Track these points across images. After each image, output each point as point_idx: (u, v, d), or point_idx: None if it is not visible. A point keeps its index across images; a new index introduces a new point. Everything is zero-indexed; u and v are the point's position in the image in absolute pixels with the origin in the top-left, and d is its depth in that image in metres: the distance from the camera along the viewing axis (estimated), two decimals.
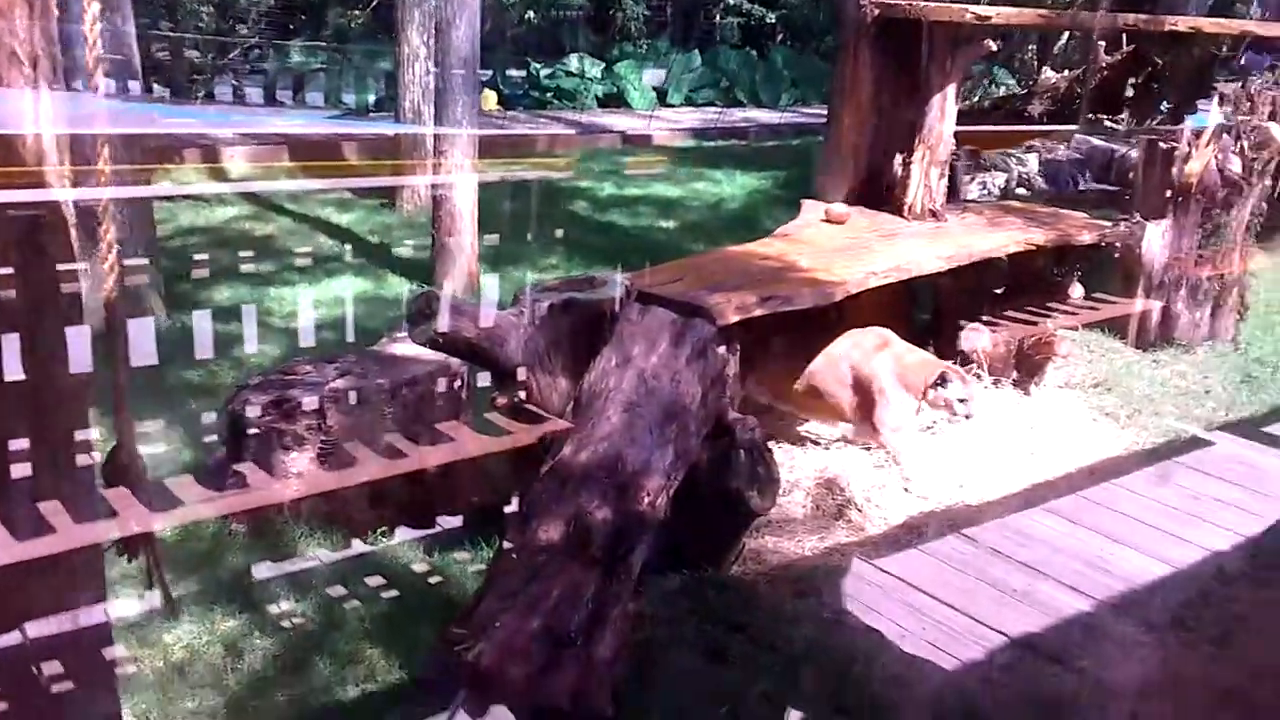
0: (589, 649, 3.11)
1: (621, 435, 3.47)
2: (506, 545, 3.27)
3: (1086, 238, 6.11)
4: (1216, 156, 6.94)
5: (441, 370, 4.51)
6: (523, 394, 3.85)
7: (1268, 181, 7.66)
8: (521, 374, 3.99)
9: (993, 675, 3.75)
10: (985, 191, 10.30)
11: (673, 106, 16.89)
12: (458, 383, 4.58)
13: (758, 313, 4.39)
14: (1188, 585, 4.32)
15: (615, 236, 9.11)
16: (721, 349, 4.01)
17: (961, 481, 5.17)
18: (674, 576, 4.10)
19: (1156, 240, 7.10)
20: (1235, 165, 6.98)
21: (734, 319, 4.15)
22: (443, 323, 3.69)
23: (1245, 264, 7.38)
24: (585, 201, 10.31)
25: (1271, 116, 7.13)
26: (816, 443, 5.41)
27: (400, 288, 7.72)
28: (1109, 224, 6.52)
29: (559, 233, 8.95)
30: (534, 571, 3.15)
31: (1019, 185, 10.96)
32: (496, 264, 8.28)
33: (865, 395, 5.13)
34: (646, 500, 3.42)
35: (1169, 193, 7.09)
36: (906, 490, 5.03)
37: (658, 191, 10.90)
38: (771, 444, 4.46)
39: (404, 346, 4.63)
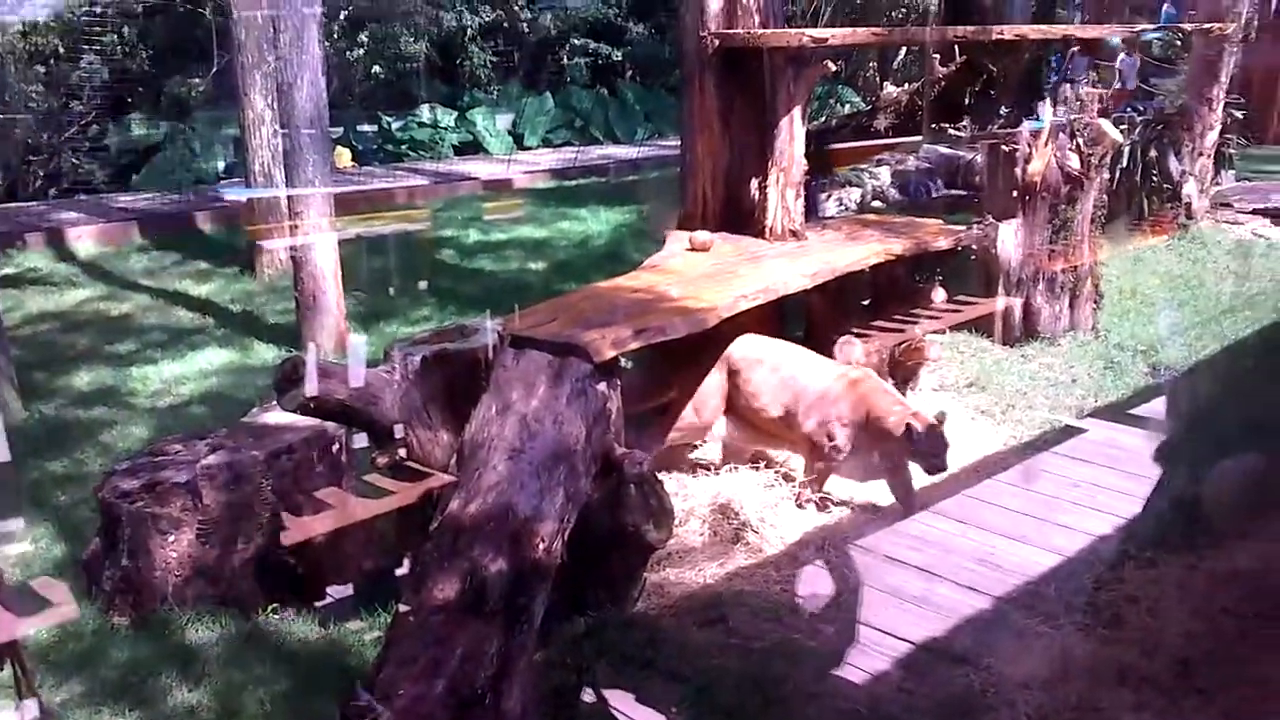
0: (498, 705, 3.03)
1: (509, 483, 3.40)
2: (402, 608, 3.16)
3: (943, 243, 6.27)
4: (1056, 155, 7.21)
5: (317, 436, 4.37)
6: (403, 452, 3.75)
7: (1105, 175, 8.02)
8: (400, 431, 3.89)
9: (904, 684, 3.77)
10: (842, 207, 10.56)
11: (530, 149, 16.89)
12: (335, 447, 4.45)
13: (633, 346, 4.37)
14: (1077, 572, 4.43)
15: (485, 282, 9.04)
16: (601, 385, 3.98)
17: (849, 493, 5.22)
18: (578, 620, 4.06)
19: (1010, 239, 7.32)
20: (1074, 162, 7.26)
21: (610, 354, 4.13)
22: (311, 387, 3.57)
23: (1095, 254, 7.67)
24: (451, 250, 10.21)
25: (1101, 114, 7.47)
26: (706, 469, 5.41)
27: (268, 355, 7.51)
28: (963, 228, 6.70)
29: (427, 284, 8.85)
30: (433, 633, 3.05)
31: (874, 198, 11.27)
32: (366, 322, 8.13)
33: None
34: (541, 547, 3.35)
35: (1015, 193, 7.33)
36: (800, 507, 5.06)
37: (523, 234, 10.86)
38: (662, 475, 4.44)
39: (276, 415, 4.48)
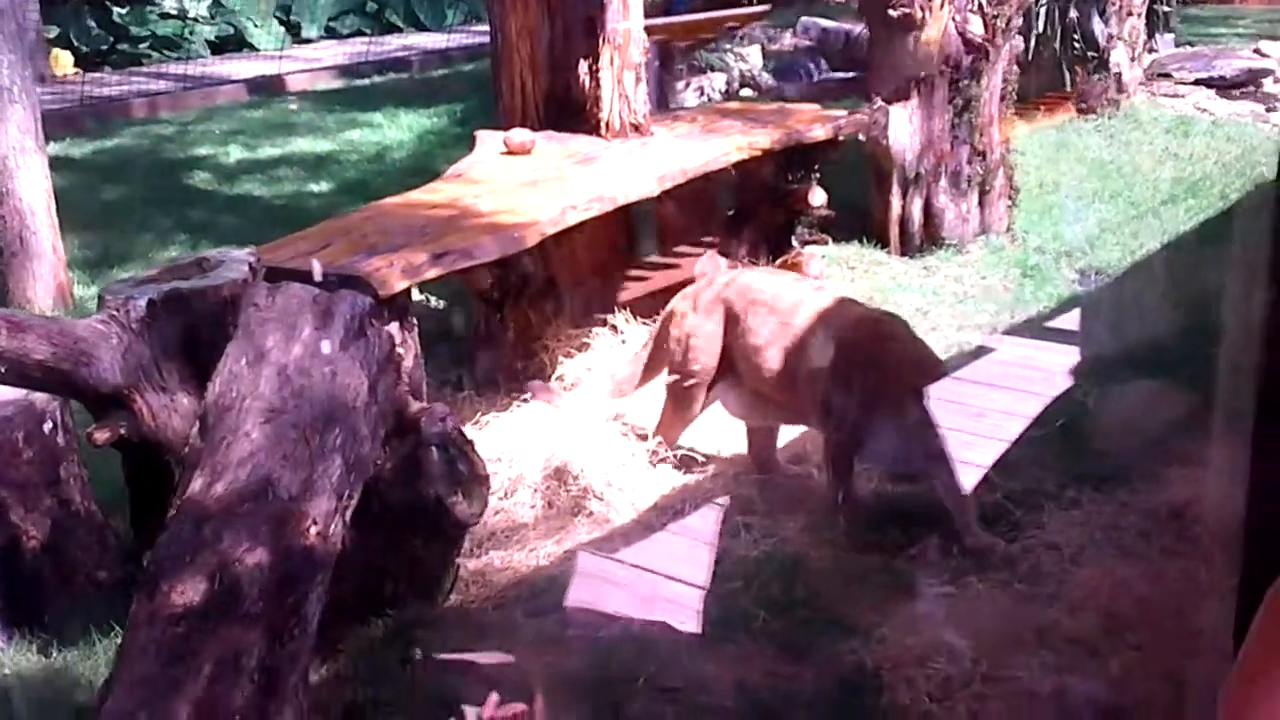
0: None
1: (268, 453, 3.34)
2: (133, 622, 3.09)
3: (819, 133, 6.36)
4: (954, 18, 7.33)
5: (22, 413, 4.22)
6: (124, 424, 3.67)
7: (1016, 41, 8.21)
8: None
9: (780, 667, 3.84)
10: (705, 98, 10.65)
11: (309, 42, 16.54)
12: (48, 425, 4.30)
13: (431, 274, 4.34)
14: (985, 519, 4.57)
15: (253, 211, 8.85)
16: (391, 326, 3.93)
17: (720, 443, 5.28)
18: (376, 622, 4.04)
19: (903, 126, 7.46)
20: (976, 26, 7.40)
21: (400, 285, 4.08)
22: None
23: (1007, 139, 7.87)
24: (208, 173, 9.96)
25: None
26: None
27: None
28: (843, 114, 6.80)
29: (176, 216, 8.61)
30: (172, 647, 2.98)
31: (743, 85, 11.40)
32: (98, 268, 7.88)
33: None
34: (314, 531, 3.30)
35: (909, 69, 7.44)
36: (653, 465, 5.11)
37: (302, 148, 10.65)
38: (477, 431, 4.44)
39: None
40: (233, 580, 3.12)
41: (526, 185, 5.27)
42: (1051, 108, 9.83)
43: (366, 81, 13.80)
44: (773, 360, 4.73)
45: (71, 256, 7.70)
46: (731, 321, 4.89)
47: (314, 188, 9.54)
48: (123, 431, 3.75)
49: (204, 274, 3.92)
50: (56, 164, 9.86)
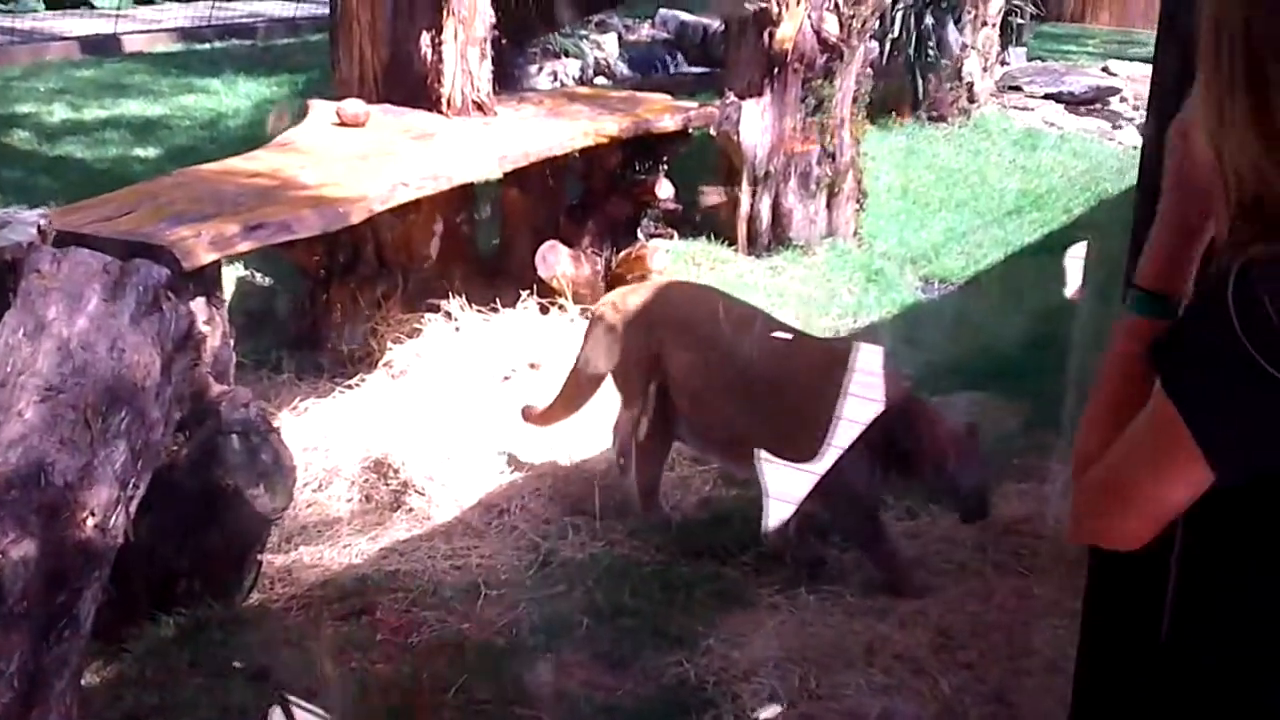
0: None
1: (43, 435, 3.04)
2: None
3: (668, 123, 6.20)
4: (810, 16, 7.25)
5: None
6: None
7: (871, 43, 8.17)
8: None
9: (600, 679, 3.69)
10: (558, 83, 10.44)
11: (151, 3, 15.89)
12: None
13: (243, 247, 4.09)
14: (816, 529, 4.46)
15: (73, 173, 8.38)
16: (191, 301, 3.64)
17: (554, 441, 5.09)
18: (166, 620, 3.78)
19: (755, 121, 7.35)
20: (832, 25, 7.33)
21: (208, 258, 3.79)
22: None
23: (857, 143, 7.82)
24: (28, 132, 9.43)
25: None
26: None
27: None
28: (694, 105, 6.65)
29: None
30: None
31: (598, 73, 11.21)
32: None
33: None
34: (91, 523, 3.03)
35: (763, 65, 7.34)
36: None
37: (131, 111, 10.17)
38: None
39: None
40: None
41: (357, 158, 5.02)
42: (902, 113, 9.83)
43: (207, 46, 13.31)
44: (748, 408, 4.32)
45: None
46: (670, 343, 4.47)
47: (140, 152, 9.11)
48: None
49: None
50: None
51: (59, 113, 10.05)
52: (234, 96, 10.72)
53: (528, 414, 4.93)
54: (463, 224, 6.13)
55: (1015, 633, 3.92)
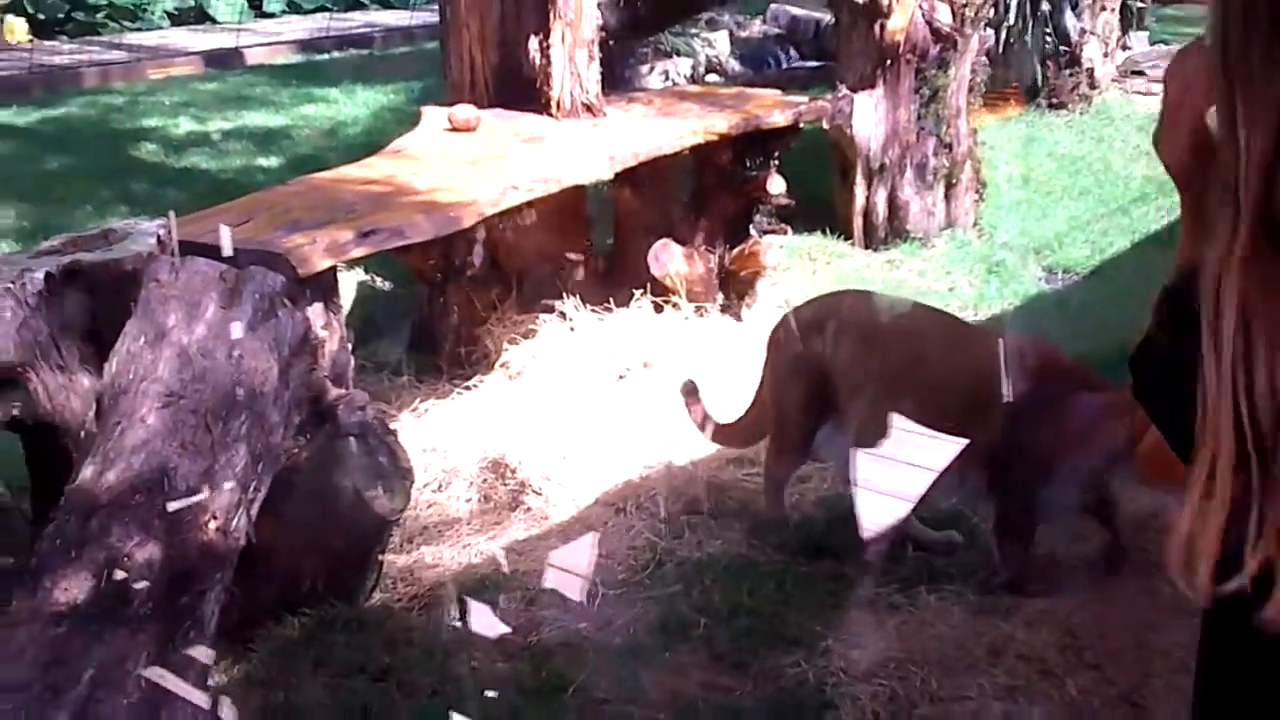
0: None
1: (165, 440, 3.10)
2: (12, 620, 2.85)
3: (779, 118, 6.13)
4: (921, 6, 7.16)
5: None
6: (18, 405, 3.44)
7: (987, 32, 8.05)
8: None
9: (718, 679, 3.67)
10: (669, 82, 10.44)
11: (271, 16, 16.25)
12: None
13: (357, 253, 4.13)
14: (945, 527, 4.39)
15: (199, 184, 8.59)
16: (308, 307, 3.70)
17: (670, 439, 5.08)
18: (292, 621, 3.83)
19: (868, 115, 7.28)
20: (945, 15, 7.23)
21: (323, 264, 3.86)
22: None
23: (974, 132, 7.70)
24: (155, 144, 9.69)
25: None
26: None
27: None
28: (804, 100, 6.59)
29: (118, 188, 8.34)
30: (51, 649, 2.75)
31: (709, 70, 11.19)
32: (32, 240, 7.59)
33: None
34: (214, 525, 3.08)
35: (875, 57, 7.26)
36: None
37: (254, 122, 10.40)
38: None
39: None
40: (121, 578, 2.88)
41: (467, 163, 5.05)
42: (1021, 102, 9.66)
43: (325, 57, 13.57)
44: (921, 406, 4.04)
45: (4, 227, 7.43)
46: (846, 352, 4.31)
47: (263, 162, 9.30)
48: (15, 412, 3.51)
49: (109, 246, 3.68)
50: None
51: (184, 125, 10.31)
52: (353, 105, 10.89)
53: (715, 432, 4.71)
54: (576, 225, 6.14)
55: (1144, 632, 3.80)
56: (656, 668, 3.70)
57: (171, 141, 9.83)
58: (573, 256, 6.01)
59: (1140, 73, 10.83)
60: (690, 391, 4.69)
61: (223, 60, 13.23)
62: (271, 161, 9.31)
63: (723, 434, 4.75)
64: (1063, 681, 3.57)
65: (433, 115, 5.75)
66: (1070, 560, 4.27)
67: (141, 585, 2.89)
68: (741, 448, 4.84)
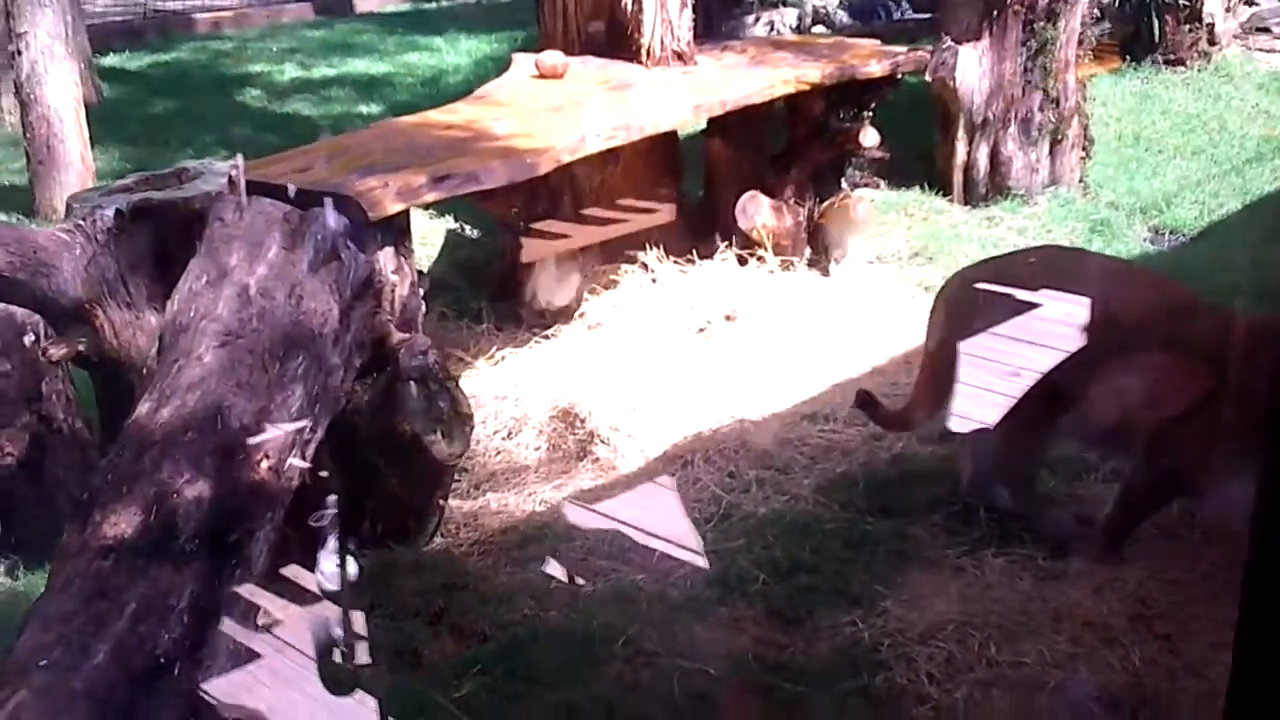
0: (191, 675, 2.80)
1: (220, 379, 3.13)
2: (62, 552, 2.91)
3: (875, 69, 6.01)
4: None
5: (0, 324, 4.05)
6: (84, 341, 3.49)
7: None
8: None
9: (771, 635, 3.62)
10: (774, 33, 10.29)
11: None
12: (29, 338, 4.14)
13: (429, 197, 4.14)
14: None
15: (299, 130, 8.67)
16: (386, 251, 3.72)
17: (745, 393, 5.04)
18: (354, 561, 3.86)
19: (972, 67, 7.10)
20: None
21: (394, 208, 3.86)
22: None
23: (1083, 87, 7.48)
24: (259, 90, 9.83)
25: None
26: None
27: None
28: (903, 50, 6.44)
29: (220, 132, 8.47)
30: (97, 582, 2.80)
31: (816, 21, 11.00)
32: None
33: None
34: (265, 465, 3.11)
35: (982, 8, 7.08)
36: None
37: (357, 69, 10.49)
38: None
39: None
40: (169, 513, 2.92)
41: (549, 110, 5.03)
42: (1136, 57, 9.35)
43: (432, 5, 13.61)
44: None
45: (108, 168, 7.58)
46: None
47: (364, 109, 9.38)
48: (81, 348, 3.57)
49: (180, 185, 3.71)
50: (109, 75, 9.84)
51: (289, 72, 10.44)
52: (455, 54, 10.93)
53: (884, 418, 4.47)
54: (663, 174, 6.09)
55: (1219, 604, 3.68)
56: (710, 622, 3.67)
57: (276, 87, 9.96)
58: (658, 207, 5.95)
59: (1266, 29, 10.42)
60: (866, 403, 4.42)
61: (333, 8, 13.34)
62: (372, 108, 9.39)
63: (898, 420, 4.47)
64: (1127, 651, 3.47)
65: (522, 61, 5.76)
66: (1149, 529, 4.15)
67: (189, 522, 2.93)
68: (923, 425, 4.51)
